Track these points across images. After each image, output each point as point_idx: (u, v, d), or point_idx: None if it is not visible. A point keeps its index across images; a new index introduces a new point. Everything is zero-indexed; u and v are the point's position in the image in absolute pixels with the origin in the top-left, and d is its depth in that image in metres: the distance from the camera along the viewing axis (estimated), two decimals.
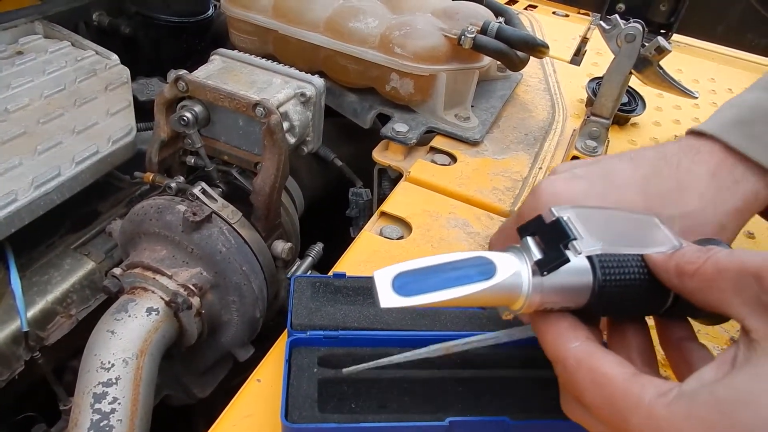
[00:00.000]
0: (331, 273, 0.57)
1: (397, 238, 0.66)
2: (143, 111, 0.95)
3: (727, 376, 0.28)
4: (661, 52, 0.73)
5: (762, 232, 0.82)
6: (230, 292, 0.67)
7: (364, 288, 0.54)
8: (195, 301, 0.64)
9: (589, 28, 1.38)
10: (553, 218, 0.33)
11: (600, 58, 1.19)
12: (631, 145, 0.90)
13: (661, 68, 0.76)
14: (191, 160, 0.77)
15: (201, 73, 0.73)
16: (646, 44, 0.75)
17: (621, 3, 1.42)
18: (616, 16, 0.75)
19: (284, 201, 0.80)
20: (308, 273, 0.78)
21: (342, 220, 0.92)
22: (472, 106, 0.89)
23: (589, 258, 0.34)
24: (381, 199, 0.88)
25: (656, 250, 0.35)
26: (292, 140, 0.73)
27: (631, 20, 0.75)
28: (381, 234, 0.66)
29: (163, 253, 0.67)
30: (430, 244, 0.65)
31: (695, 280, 0.32)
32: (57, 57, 0.83)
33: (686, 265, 0.33)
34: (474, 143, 0.82)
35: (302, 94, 0.73)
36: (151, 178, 0.72)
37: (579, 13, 1.50)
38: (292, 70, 0.75)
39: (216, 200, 0.71)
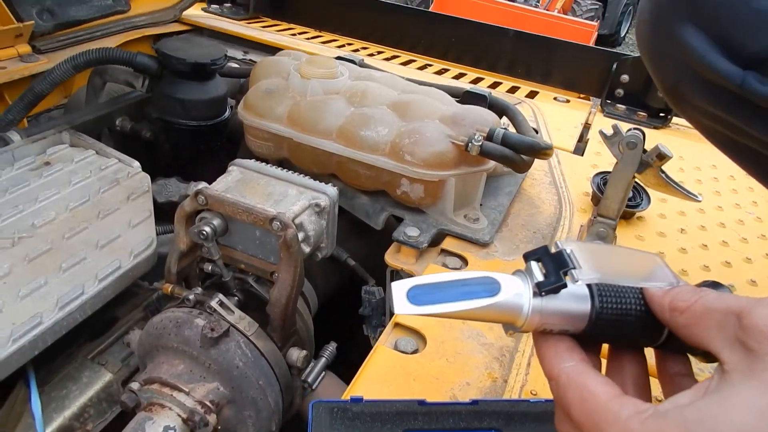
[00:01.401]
0: (348, 396, 0.57)
1: (412, 352, 0.66)
2: (162, 212, 0.98)
3: (698, 400, 0.31)
4: (662, 158, 0.76)
5: (763, 280, 0.83)
6: (247, 407, 0.67)
7: (382, 414, 0.55)
8: (212, 418, 0.65)
9: (590, 113, 1.43)
10: (558, 249, 0.37)
11: (602, 147, 1.22)
12: (639, 240, 0.92)
13: (663, 172, 0.78)
14: (209, 267, 0.79)
15: (220, 186, 0.76)
16: (647, 150, 0.78)
17: (620, 89, 1.48)
18: (617, 123, 0.78)
19: (299, 306, 0.81)
20: (322, 373, 0.79)
21: (355, 317, 0.93)
22: (480, 205, 0.91)
23: (589, 286, 0.36)
24: None
25: (654, 285, 0.37)
26: (307, 249, 0.76)
27: (633, 129, 0.78)
28: (396, 347, 0.67)
29: (180, 367, 0.68)
30: (445, 358, 0.65)
31: (684, 316, 0.35)
32: (82, 166, 0.87)
33: (679, 302, 0.35)
34: (484, 245, 0.84)
35: (317, 205, 0.76)
36: (170, 289, 0.74)
37: (579, 97, 1.55)
38: (307, 180, 0.79)
39: (233, 312, 0.72)
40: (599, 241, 0.83)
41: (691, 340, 0.35)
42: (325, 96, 0.89)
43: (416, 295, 0.37)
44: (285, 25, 1.79)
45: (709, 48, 0.51)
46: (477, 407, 0.57)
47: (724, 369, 0.32)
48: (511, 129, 1.02)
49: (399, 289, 0.37)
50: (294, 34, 1.69)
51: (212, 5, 1.76)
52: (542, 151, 0.84)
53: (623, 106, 1.45)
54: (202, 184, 0.76)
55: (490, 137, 0.84)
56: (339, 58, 1.17)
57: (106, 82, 1.06)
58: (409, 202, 0.86)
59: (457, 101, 1.11)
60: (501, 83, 1.56)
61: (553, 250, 0.38)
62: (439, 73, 1.55)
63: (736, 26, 0.50)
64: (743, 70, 0.49)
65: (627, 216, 0.96)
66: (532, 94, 1.51)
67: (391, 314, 0.91)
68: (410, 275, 0.81)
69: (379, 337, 0.93)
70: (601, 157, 1.17)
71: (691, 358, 0.40)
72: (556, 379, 0.36)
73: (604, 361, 0.41)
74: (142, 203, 0.82)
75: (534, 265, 0.37)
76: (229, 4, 1.80)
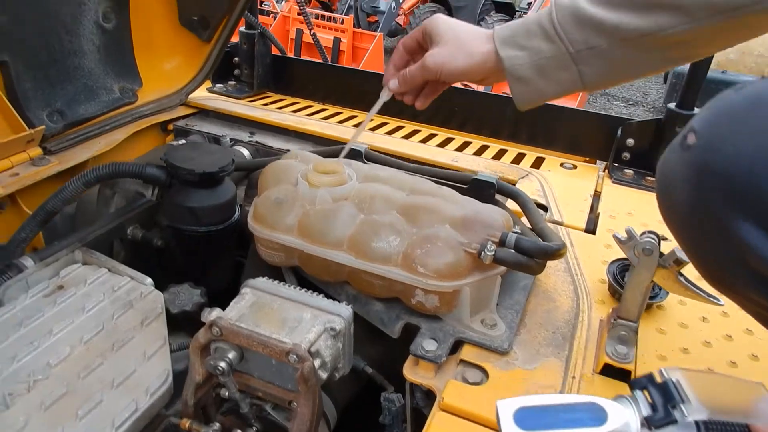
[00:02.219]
0: None
1: None
2: (175, 322, 0.97)
3: None
4: (680, 263, 0.75)
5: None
6: None
7: None
8: None
9: (598, 180, 1.43)
10: (663, 379, 0.38)
11: (613, 221, 1.21)
12: (660, 333, 0.90)
13: (682, 275, 0.77)
14: (225, 393, 0.77)
15: (233, 314, 0.75)
16: (664, 253, 0.77)
17: (626, 152, 1.48)
18: (631, 228, 0.77)
19: (320, 430, 0.79)
20: None
21: (375, 424, 0.91)
22: (497, 305, 0.90)
23: (696, 423, 0.37)
24: (414, 408, 0.88)
25: (762, 421, 0.37)
26: (324, 375, 0.74)
27: (647, 233, 0.77)
28: None
29: None
30: None
31: None
32: (95, 288, 0.87)
33: None
34: (503, 352, 0.82)
35: (332, 329, 0.75)
36: (187, 425, 0.73)
37: (586, 161, 1.55)
38: (320, 300, 0.78)
39: None
40: (621, 345, 0.81)
41: None
42: (334, 204, 0.90)
43: (523, 418, 0.38)
44: (289, 100, 1.81)
45: None
46: None
47: None
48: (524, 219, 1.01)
49: (505, 410, 0.39)
50: (297, 110, 1.71)
51: (216, 85, 1.79)
52: (556, 255, 0.83)
53: (631, 171, 1.44)
54: (216, 312, 0.75)
55: (502, 242, 0.84)
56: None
57: (115, 192, 1.07)
58: (424, 310, 0.85)
59: (466, 188, 1.11)
60: (507, 150, 1.56)
61: (658, 378, 0.39)
62: (444, 143, 1.55)
63: None
64: None
65: (646, 307, 0.94)
66: (538, 162, 1.51)
67: (413, 422, 0.89)
68: (430, 390, 0.79)
69: None
70: None
71: None
72: None
73: None
74: (156, 329, 0.82)
75: (640, 394, 0.38)
76: (233, 82, 1.84)
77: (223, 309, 1.09)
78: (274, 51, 1.84)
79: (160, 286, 1.02)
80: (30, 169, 1.21)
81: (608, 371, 0.81)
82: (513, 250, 0.83)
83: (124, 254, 1.03)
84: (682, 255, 0.75)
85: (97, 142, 1.38)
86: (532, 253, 0.82)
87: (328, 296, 0.94)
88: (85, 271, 0.91)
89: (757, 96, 0.49)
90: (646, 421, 0.37)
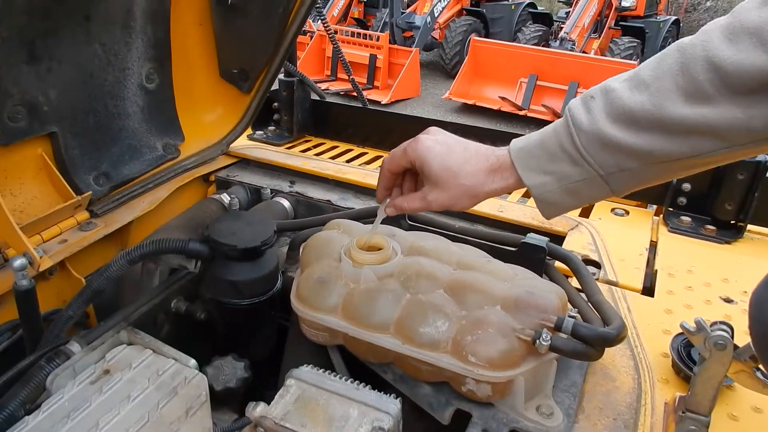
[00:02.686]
0: None
1: None
2: (218, 399, 0.96)
3: None
4: (757, 360, 0.68)
5: None
6: None
7: None
8: None
9: (652, 229, 1.36)
10: None
11: (673, 280, 1.14)
12: (733, 420, 0.83)
13: (759, 370, 0.71)
14: None
15: (278, 411, 0.73)
16: (739, 345, 0.71)
17: (682, 197, 1.40)
18: (701, 319, 0.71)
19: None
20: None
21: None
22: (553, 387, 0.85)
23: None
24: None
25: None
26: None
27: (719, 323, 0.71)
28: None
29: None
30: None
31: None
32: (140, 372, 0.86)
33: None
34: None
35: (380, 428, 0.72)
36: None
37: (638, 205, 1.48)
38: (367, 394, 0.75)
39: None
40: None
41: None
42: (378, 283, 0.87)
43: None
44: (329, 143, 1.80)
45: None
46: None
47: None
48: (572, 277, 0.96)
49: None
50: (337, 156, 1.70)
51: (257, 132, 1.80)
52: (616, 342, 0.78)
53: (688, 218, 1.36)
54: (260, 408, 0.73)
55: (558, 327, 0.79)
56: None
57: (159, 267, 1.08)
58: (475, 398, 0.81)
59: (515, 251, 1.07)
60: None
61: None
62: None
63: None
64: None
65: None
66: (587, 207, 1.45)
67: None
68: None
69: None
70: (674, 298, 1.09)
71: None
72: None
73: None
74: (200, 419, 0.80)
75: None
76: (273, 128, 1.84)
77: (267, 376, 1.08)
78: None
79: (204, 357, 1.02)
80: (78, 235, 1.23)
81: None
82: (570, 336, 0.78)
83: (168, 328, 1.02)
84: None
85: (141, 201, 1.40)
86: (590, 340, 0.77)
87: (374, 376, 0.91)
88: (130, 353, 0.90)
89: None
90: None
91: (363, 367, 0.92)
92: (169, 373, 0.87)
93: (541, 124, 1.54)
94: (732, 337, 0.71)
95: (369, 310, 0.84)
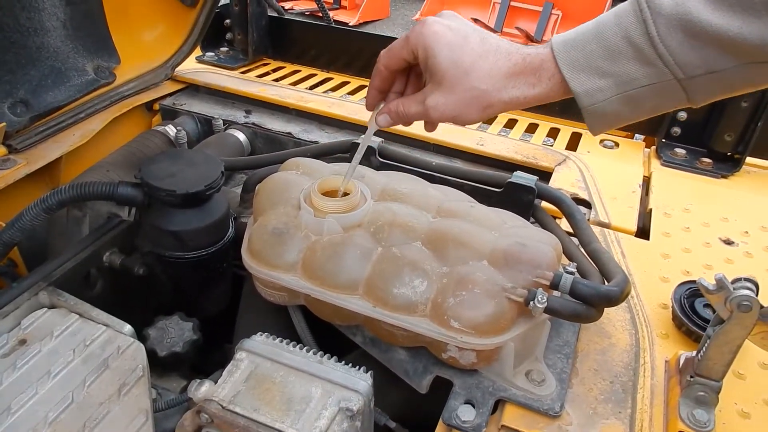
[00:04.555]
0: None
1: None
2: (163, 365, 0.84)
3: None
4: None
5: None
6: None
7: None
8: None
9: (644, 160, 1.25)
10: None
11: (669, 220, 1.04)
12: (739, 379, 0.75)
13: None
14: None
15: (227, 392, 0.61)
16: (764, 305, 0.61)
17: (676, 127, 1.28)
18: (723, 276, 0.61)
19: None
20: None
21: None
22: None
23: None
24: None
25: None
26: None
27: (743, 280, 0.61)
28: None
29: None
30: None
31: None
32: (64, 342, 0.73)
33: None
34: (555, 416, 0.68)
35: (348, 409, 0.61)
36: None
37: (627, 136, 1.36)
38: (332, 370, 0.63)
39: None
40: (700, 409, 0.67)
41: None
42: (344, 235, 0.73)
43: None
44: (290, 67, 1.61)
45: None
46: None
47: None
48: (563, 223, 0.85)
49: None
50: (299, 81, 1.52)
51: (207, 53, 1.59)
52: (620, 300, 0.68)
53: (683, 150, 1.25)
54: (205, 388, 0.62)
55: (554, 285, 0.68)
56: (354, 144, 1.00)
57: (86, 214, 0.92)
58: (458, 366, 0.71)
59: (500, 192, 0.94)
60: (537, 125, 1.37)
61: None
62: None
63: None
64: None
65: None
66: (574, 139, 1.32)
67: None
68: None
69: None
70: (671, 240, 0.99)
71: None
72: None
73: None
74: (136, 398, 0.68)
75: None
76: (225, 48, 1.63)
77: (220, 341, 0.96)
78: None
79: (147, 317, 0.89)
80: None
81: None
82: (568, 296, 0.68)
83: (101, 284, 0.88)
84: None
85: (71, 133, 1.21)
86: (591, 300, 0.67)
87: (341, 337, 0.80)
88: (52, 317, 0.76)
89: None
90: None
91: (329, 326, 0.81)
92: (99, 342, 0.74)
93: None
94: (757, 294, 0.61)
95: (334, 267, 0.71)
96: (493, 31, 6.39)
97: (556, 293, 0.70)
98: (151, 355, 0.82)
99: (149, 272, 0.87)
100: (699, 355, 0.67)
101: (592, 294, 0.66)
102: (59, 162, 1.17)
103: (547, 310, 0.66)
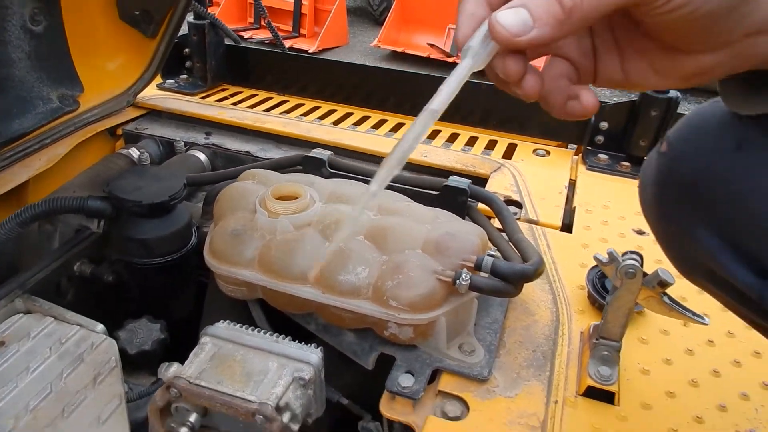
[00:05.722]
0: None
1: None
2: (134, 363, 0.91)
3: None
4: (664, 285, 0.71)
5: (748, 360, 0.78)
6: None
7: None
8: None
9: (572, 167, 1.39)
10: None
11: (590, 216, 1.18)
12: (642, 343, 0.87)
13: (666, 295, 0.74)
14: None
15: (193, 370, 0.70)
16: (648, 273, 0.73)
17: (600, 135, 1.43)
18: (613, 250, 0.73)
19: None
20: None
21: None
22: (475, 325, 0.86)
23: None
24: None
25: None
26: (295, 427, 0.70)
27: (630, 253, 0.73)
28: None
29: None
30: None
31: None
32: (40, 342, 0.80)
33: None
34: (483, 380, 0.79)
35: (301, 378, 0.70)
36: None
37: (560, 146, 1.51)
38: (287, 347, 0.73)
39: None
40: (604, 366, 0.78)
41: None
42: (296, 233, 0.83)
43: None
44: (247, 92, 1.71)
45: (725, 253, 0.46)
46: None
47: None
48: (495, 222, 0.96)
49: None
50: (256, 104, 1.62)
51: (167, 80, 1.67)
52: (533, 277, 0.79)
53: (605, 156, 1.40)
54: (174, 369, 0.70)
55: (478, 267, 0.79)
56: (306, 158, 1.11)
57: (57, 228, 0.99)
58: (398, 341, 0.81)
59: (437, 195, 1.06)
60: (477, 138, 1.51)
61: None
62: None
63: (752, 237, 0.45)
64: (763, 280, 0.45)
65: None
66: (510, 149, 1.46)
67: None
68: (409, 427, 0.76)
69: None
70: (591, 233, 1.12)
71: None
72: None
73: None
74: (110, 386, 0.75)
75: None
76: (185, 76, 1.72)
77: (187, 342, 1.04)
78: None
79: (116, 322, 0.96)
80: None
81: (591, 393, 0.78)
82: (489, 275, 0.79)
83: (73, 292, 0.95)
84: (666, 276, 0.72)
85: (38, 158, 1.28)
86: (509, 277, 0.78)
87: (296, 327, 0.89)
88: (28, 321, 0.83)
89: (723, 116, 0.49)
90: None
91: (286, 319, 0.89)
92: (74, 341, 0.81)
93: (474, 84, 1.51)
94: (641, 265, 0.73)
95: (286, 261, 0.81)
96: (448, 55, 6.64)
97: (482, 274, 0.81)
98: (122, 354, 0.89)
99: (118, 279, 0.95)
100: (602, 321, 0.78)
101: (509, 272, 0.78)
102: (27, 185, 1.23)
103: (471, 288, 0.77)
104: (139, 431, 0.82)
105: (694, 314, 0.75)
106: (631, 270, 0.72)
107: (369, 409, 0.89)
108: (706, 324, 0.74)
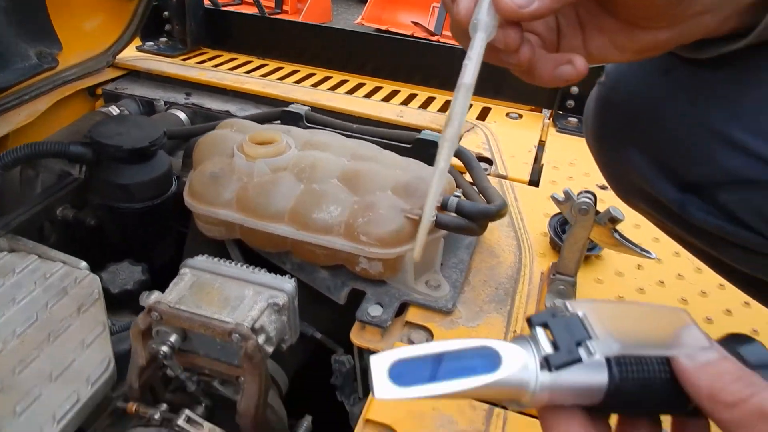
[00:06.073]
0: None
1: None
2: (116, 302, 0.95)
3: None
4: (615, 221, 0.77)
5: (718, 315, 0.85)
6: None
7: None
8: None
9: (542, 130, 1.44)
10: (567, 313, 0.32)
11: (556, 172, 1.23)
12: (598, 283, 0.93)
13: (616, 232, 0.79)
14: (172, 373, 0.77)
15: (173, 296, 0.74)
16: (600, 211, 0.79)
17: (570, 100, 1.48)
18: (569, 189, 0.78)
19: (269, 398, 0.80)
20: None
21: (327, 385, 0.93)
22: (441, 265, 0.91)
23: (606, 357, 0.31)
24: (363, 369, 0.89)
25: (683, 352, 0.31)
26: (270, 349, 0.74)
27: (584, 192, 0.79)
28: None
29: None
30: None
31: (732, 413, 0.29)
32: (25, 277, 0.83)
33: (723, 392, 0.29)
34: (447, 312, 0.84)
35: (275, 304, 0.74)
36: (134, 408, 0.72)
37: (532, 110, 1.56)
38: (263, 276, 0.77)
39: (202, 426, 0.71)
40: (559, 299, 0.84)
41: None
42: (272, 175, 0.87)
43: (400, 374, 0.30)
44: (227, 56, 1.73)
45: (652, 171, 0.52)
46: None
47: None
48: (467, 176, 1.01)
49: (378, 365, 0.30)
50: (236, 68, 1.64)
51: (147, 43, 1.68)
52: (496, 216, 0.84)
53: (575, 119, 1.45)
54: (155, 296, 0.74)
55: (444, 206, 0.84)
56: (284, 112, 1.14)
57: (39, 173, 1.01)
58: (369, 276, 0.86)
59: (410, 148, 1.10)
60: None
61: (561, 312, 0.33)
62: (389, 97, 1.52)
63: (673, 155, 0.50)
64: (683, 194, 0.50)
65: (585, 258, 0.97)
66: (484, 112, 1.50)
67: (362, 381, 0.91)
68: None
69: (353, 402, 0.93)
70: (557, 186, 1.18)
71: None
72: None
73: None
74: (94, 314, 0.79)
75: (540, 332, 0.32)
76: (165, 39, 1.73)
77: (167, 285, 1.08)
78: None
79: (98, 266, 0.99)
80: None
81: None
82: (455, 214, 0.84)
83: (55, 237, 0.98)
84: (616, 213, 0.77)
85: (18, 113, 1.29)
86: (473, 216, 0.83)
87: (272, 267, 0.93)
88: (12, 259, 0.86)
89: None
90: (546, 362, 0.30)
91: (263, 260, 0.94)
92: (58, 276, 0.85)
93: (451, 50, 1.55)
94: (595, 204, 0.78)
95: (263, 201, 0.85)
96: (432, 34, 6.65)
97: (449, 214, 0.86)
98: (105, 293, 0.93)
99: (100, 224, 0.98)
100: (558, 259, 0.84)
101: (473, 211, 0.83)
102: (6, 140, 1.25)
103: (437, 225, 0.82)
104: (122, 362, 0.86)
105: (642, 249, 0.81)
106: (584, 207, 0.77)
107: (342, 345, 0.94)
108: (653, 258, 0.80)
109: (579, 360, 0.30)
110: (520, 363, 0.31)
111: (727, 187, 0.47)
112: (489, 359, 0.31)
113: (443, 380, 0.30)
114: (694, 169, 0.49)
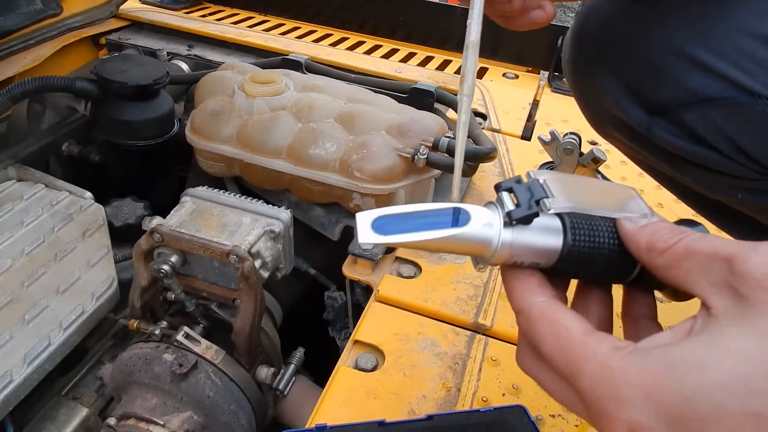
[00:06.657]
0: (312, 425, 0.62)
1: (372, 369, 0.71)
2: (119, 235, 0.99)
3: (683, 341, 0.29)
4: (597, 162, 0.80)
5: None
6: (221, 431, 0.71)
7: None
8: None
9: (538, 90, 1.46)
10: (530, 179, 0.37)
11: (548, 127, 1.26)
12: None
13: (599, 173, 0.83)
14: (172, 295, 0.81)
15: (174, 221, 0.77)
16: (584, 153, 0.82)
17: None
18: (555, 130, 0.82)
19: (264, 324, 0.84)
20: (293, 379, 0.83)
21: (320, 321, 0.97)
22: None
23: (562, 219, 0.35)
24: (354, 304, 0.94)
25: (628, 216, 0.36)
26: (265, 274, 0.79)
27: (569, 134, 0.82)
28: (356, 365, 0.71)
29: (153, 401, 0.72)
30: (402, 372, 0.70)
31: (664, 257, 0.33)
32: (33, 203, 0.87)
33: (658, 241, 0.33)
34: None
35: (271, 231, 0.78)
36: (135, 325, 0.77)
37: (528, 71, 1.58)
38: (260, 206, 0.81)
39: (199, 342, 0.75)
40: None
41: (671, 282, 0.33)
42: (271, 114, 0.90)
43: (381, 225, 0.34)
44: (229, 11, 1.74)
45: (622, 95, 0.55)
46: (432, 423, 0.62)
47: (711, 313, 0.30)
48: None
49: (363, 219, 0.34)
50: (238, 22, 1.65)
51: None
52: (486, 158, 0.88)
53: None
54: (156, 220, 0.77)
55: (435, 146, 0.87)
56: (284, 60, 1.17)
57: (46, 108, 1.04)
58: None
59: (406, 98, 1.13)
60: (451, 61, 1.57)
61: (525, 179, 0.37)
62: (388, 55, 1.54)
63: (641, 78, 0.53)
64: (650, 116, 0.53)
65: None
66: (481, 72, 1.53)
67: (354, 316, 0.96)
68: (368, 285, 0.85)
69: (344, 338, 0.98)
70: None
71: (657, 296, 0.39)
72: (526, 313, 0.35)
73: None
74: (98, 239, 0.83)
75: (505, 195, 0.36)
76: None
77: None
78: None
79: (101, 202, 1.03)
80: None
81: None
82: (446, 154, 0.87)
83: (61, 172, 1.01)
84: (599, 154, 0.81)
85: (23, 57, 1.31)
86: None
87: (268, 203, 0.97)
88: (20, 187, 0.90)
89: None
90: (508, 217, 0.34)
91: (258, 198, 0.97)
92: (64, 203, 0.88)
93: (450, 10, 1.57)
94: (579, 145, 0.82)
95: (262, 137, 0.88)
96: None
97: (443, 155, 0.89)
98: (108, 226, 0.97)
99: (104, 160, 1.01)
100: None
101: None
102: (12, 81, 1.28)
103: (428, 163, 0.85)
104: (124, 290, 0.90)
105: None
106: (569, 147, 0.81)
107: (335, 282, 0.98)
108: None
109: (536, 214, 0.34)
110: (485, 220, 0.35)
111: (690, 106, 0.50)
112: (460, 217, 0.35)
113: (417, 231, 0.34)
114: (661, 91, 0.52)
